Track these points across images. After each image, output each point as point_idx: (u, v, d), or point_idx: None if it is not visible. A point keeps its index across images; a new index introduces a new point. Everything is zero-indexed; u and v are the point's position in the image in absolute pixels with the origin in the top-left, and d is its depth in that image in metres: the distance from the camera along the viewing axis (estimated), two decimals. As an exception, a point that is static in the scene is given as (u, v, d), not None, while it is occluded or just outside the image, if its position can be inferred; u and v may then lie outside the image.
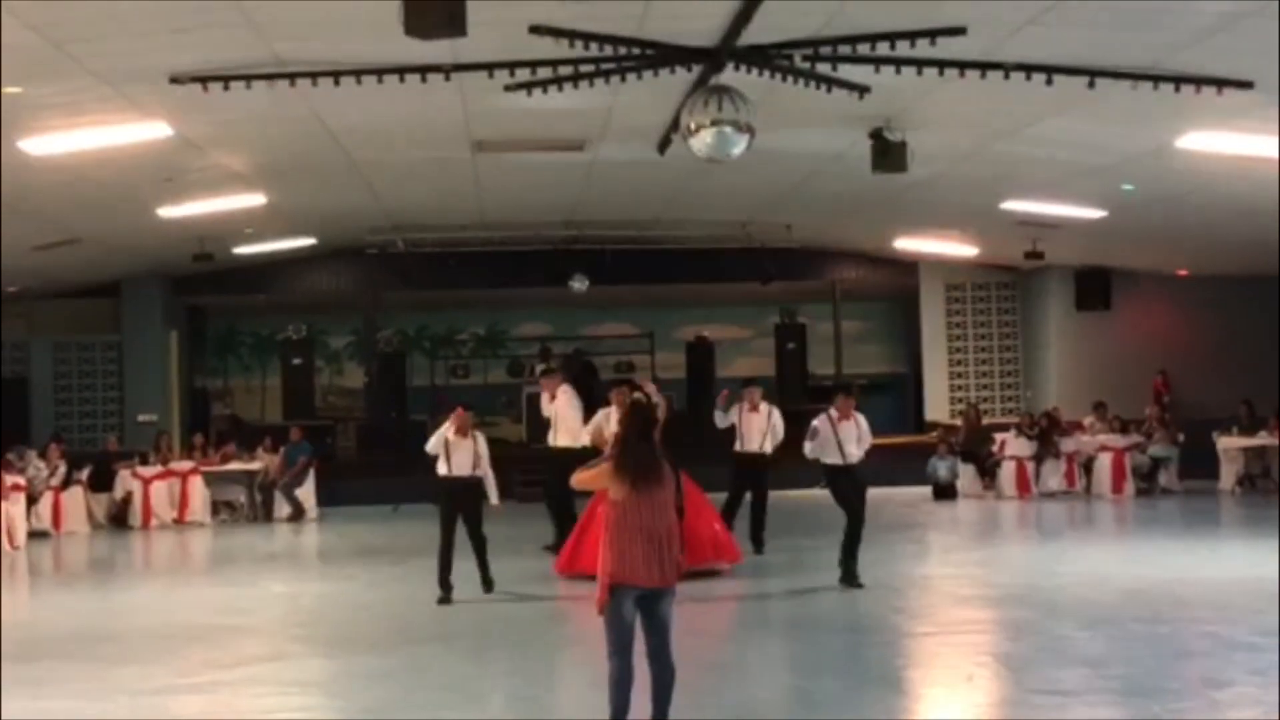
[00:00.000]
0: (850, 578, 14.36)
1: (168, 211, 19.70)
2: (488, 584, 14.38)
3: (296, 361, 29.41)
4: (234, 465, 24.54)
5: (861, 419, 14.92)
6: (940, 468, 24.84)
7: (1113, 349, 27.93)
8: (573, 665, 11.47)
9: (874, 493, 25.30)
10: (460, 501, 14.10)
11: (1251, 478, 24.57)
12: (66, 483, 22.82)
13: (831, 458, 14.59)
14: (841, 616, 13.05)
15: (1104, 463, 24.67)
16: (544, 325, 32.68)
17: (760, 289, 28.40)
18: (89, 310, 27.87)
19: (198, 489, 23.97)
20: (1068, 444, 24.94)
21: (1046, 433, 24.97)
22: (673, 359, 31.96)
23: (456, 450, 14.04)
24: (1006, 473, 24.71)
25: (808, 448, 14.67)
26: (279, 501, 24.21)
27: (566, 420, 17.51)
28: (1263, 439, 23.93)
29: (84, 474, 23.42)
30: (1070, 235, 23.23)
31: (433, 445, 14.21)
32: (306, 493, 24.29)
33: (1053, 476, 24.79)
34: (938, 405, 29.39)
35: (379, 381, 30.03)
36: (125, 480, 23.71)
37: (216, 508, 24.36)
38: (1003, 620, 12.62)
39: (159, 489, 23.64)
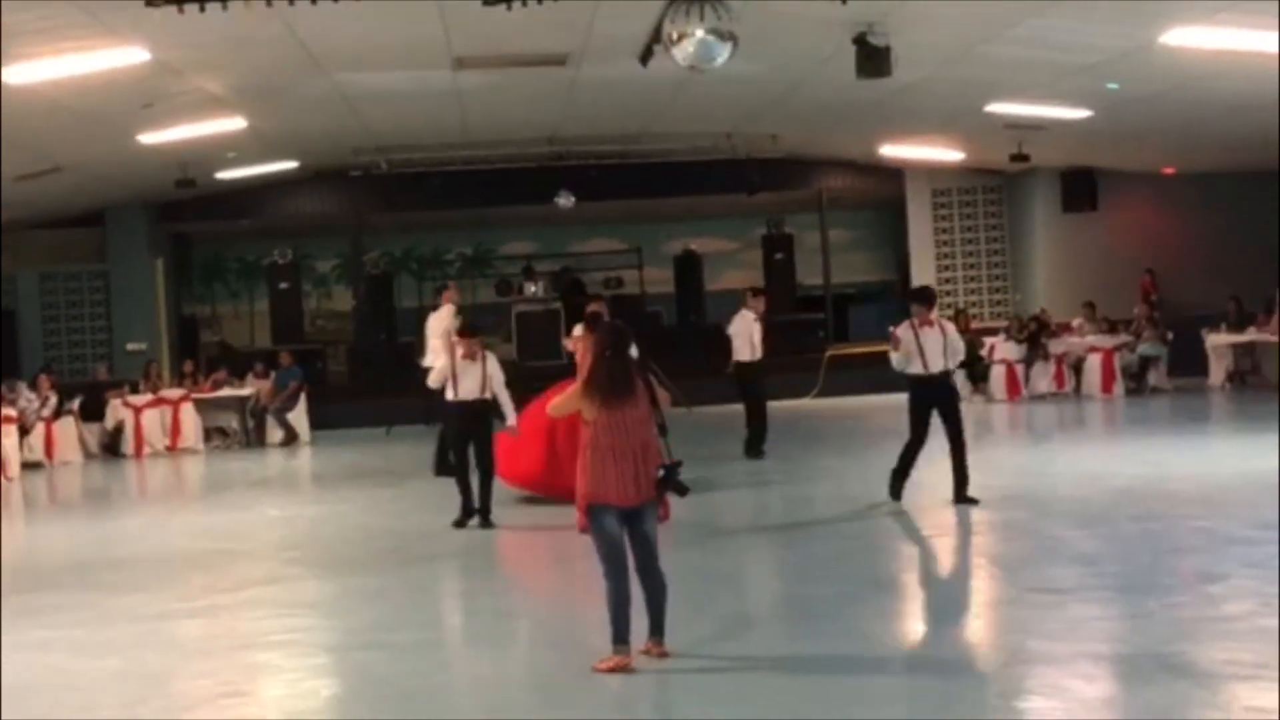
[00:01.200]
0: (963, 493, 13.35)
1: (149, 137, 19.59)
2: (485, 516, 13.46)
3: (283, 286, 29.28)
4: (225, 391, 24.52)
5: (950, 327, 13.72)
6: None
7: (1100, 250, 27.91)
8: (569, 580, 11.53)
9: (865, 400, 25.74)
10: (471, 427, 13.57)
11: (1240, 374, 24.64)
12: (58, 413, 22.80)
13: (915, 368, 13.34)
14: (836, 523, 13.10)
15: (1093, 363, 24.73)
16: (531, 243, 32.59)
17: (746, 200, 28.34)
18: (74, 240, 27.76)
19: (189, 416, 23.96)
20: (1057, 346, 24.99)
21: (1035, 335, 25.01)
22: (661, 273, 31.92)
23: (465, 374, 13.44)
24: (996, 376, 24.77)
25: (893, 358, 13.68)
26: (271, 426, 24.22)
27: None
28: (1251, 335, 23.95)
29: (75, 404, 23.41)
30: (1056, 137, 23.15)
31: (438, 373, 13.82)
32: (298, 417, 24.30)
33: (1042, 378, 24.86)
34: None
35: (367, 304, 29.97)
36: (116, 409, 23.70)
37: (208, 434, 24.36)
38: (996, 522, 12.67)
39: (150, 417, 23.62)
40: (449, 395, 13.57)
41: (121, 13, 13.00)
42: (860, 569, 10.91)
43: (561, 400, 8.55)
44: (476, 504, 13.49)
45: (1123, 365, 24.74)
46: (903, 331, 13.36)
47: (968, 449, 13.35)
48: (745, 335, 17.97)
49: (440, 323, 17.33)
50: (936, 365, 13.26)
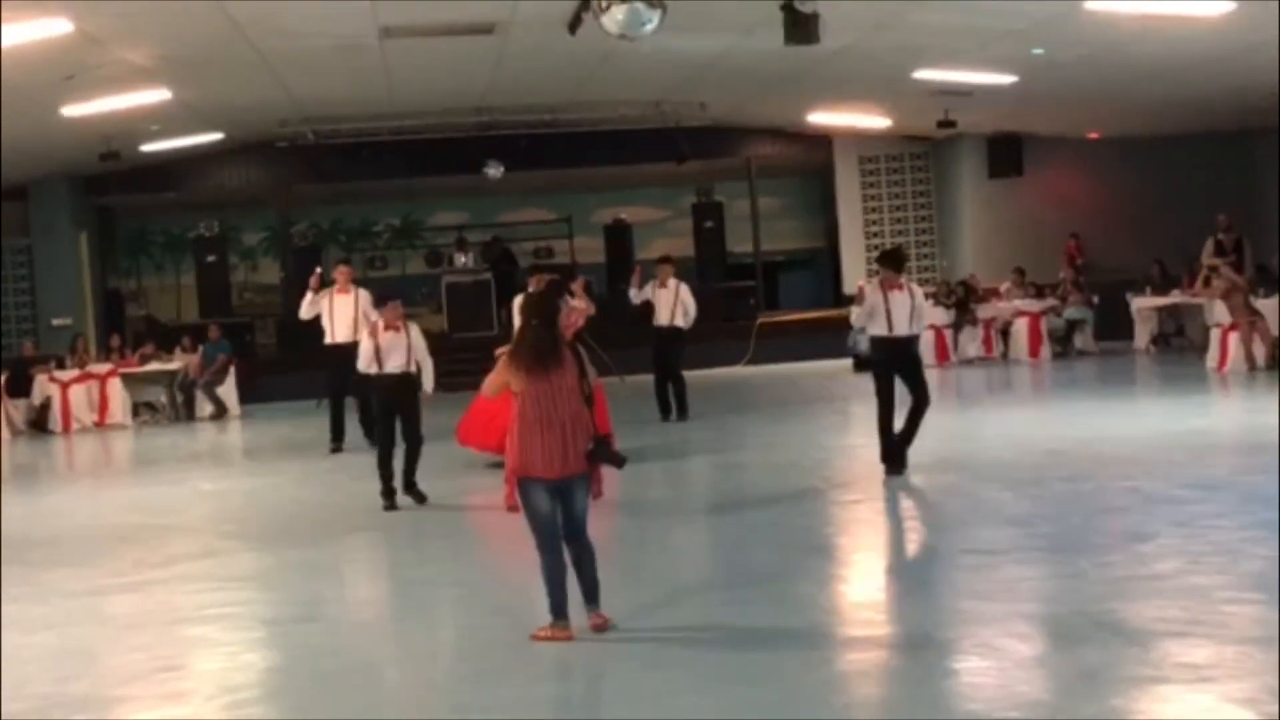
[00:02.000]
0: (897, 463, 13.13)
1: (72, 110, 19.37)
2: (412, 488, 13.22)
3: (210, 259, 29.03)
4: (153, 366, 24.30)
5: (917, 291, 13.50)
6: (860, 340, 24.73)
7: (1026, 215, 28.14)
8: (506, 551, 11.52)
9: (795, 366, 25.91)
10: (399, 399, 13.13)
11: (1165, 336, 24.92)
12: (-17, 389, 22.57)
13: (878, 328, 13.18)
14: (768, 489, 13.16)
15: (1020, 328, 24.96)
16: (460, 214, 32.42)
17: (676, 169, 28.35)
18: (-4, 215, 27.42)
19: (117, 391, 23.75)
20: (984, 310, 25.20)
21: (963, 301, 25.19)
22: (591, 243, 31.84)
23: (391, 346, 13.04)
24: (925, 341, 24.88)
25: (854, 314, 13.66)
26: (200, 400, 24.06)
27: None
28: (1175, 298, 24.22)
29: (0, 380, 23.15)
30: (982, 103, 23.28)
31: (365, 354, 13.14)
32: (228, 390, 24.15)
33: (970, 343, 25.07)
34: (855, 278, 29.36)
35: (296, 277, 29.74)
36: (43, 385, 23.46)
37: (137, 409, 24.16)
38: (928, 485, 12.78)
39: (78, 392, 23.40)
40: (372, 370, 13.12)
41: (43, -17, 12.87)
42: (792, 535, 10.96)
43: (490, 378, 8.24)
44: (401, 479, 13.14)
45: (1049, 329, 24.99)
46: (871, 292, 13.27)
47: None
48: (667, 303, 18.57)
49: (350, 308, 17.46)
50: (901, 329, 13.13)
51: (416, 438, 13.27)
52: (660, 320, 18.62)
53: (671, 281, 18.69)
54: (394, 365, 13.08)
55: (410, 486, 13.24)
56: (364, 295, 17.17)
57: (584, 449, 7.89)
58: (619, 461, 8.14)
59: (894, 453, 13.12)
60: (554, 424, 7.79)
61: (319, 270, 18.41)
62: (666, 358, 18.67)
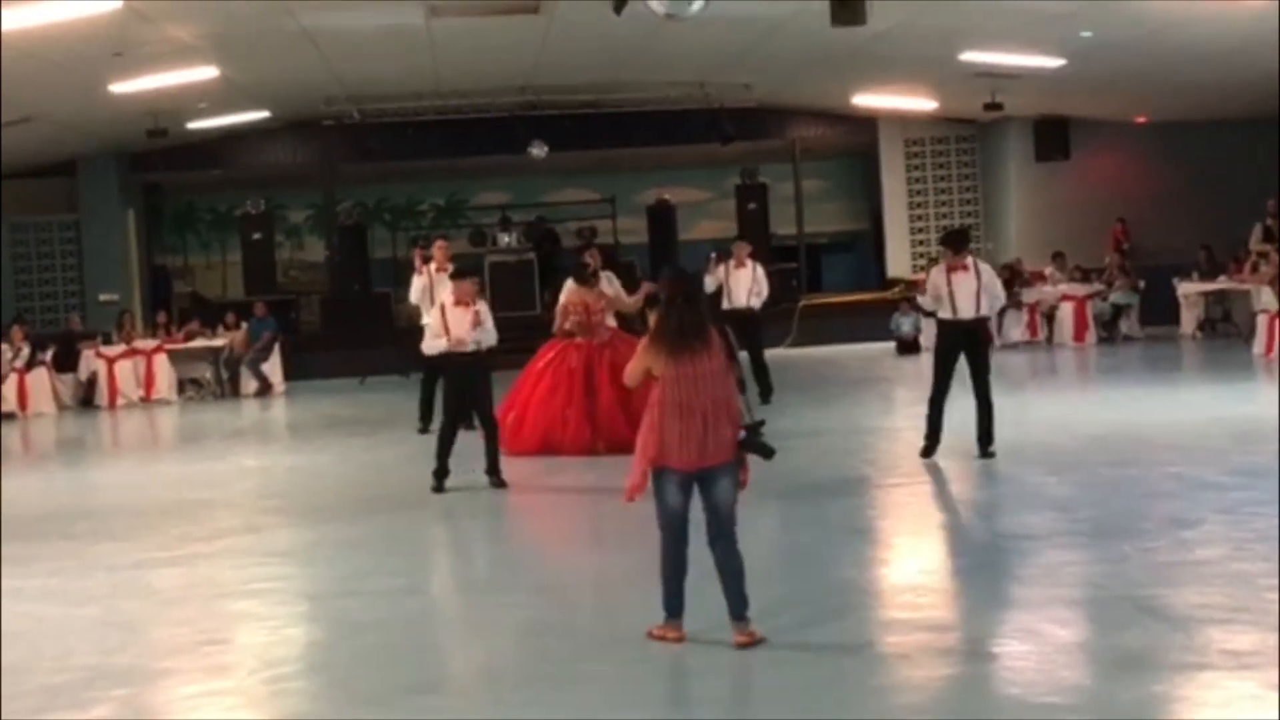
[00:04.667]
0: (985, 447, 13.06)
1: (120, 87, 19.45)
2: (495, 475, 12.76)
3: (256, 236, 29.11)
4: (198, 342, 24.46)
5: (986, 269, 13.30)
6: (903, 323, 24.90)
7: (1073, 199, 27.95)
8: (552, 528, 11.57)
9: (838, 349, 25.83)
10: (468, 379, 12.66)
11: (1212, 322, 24.75)
12: (31, 364, 22.73)
13: (943, 311, 12.99)
14: (812, 471, 13.11)
15: (1066, 312, 24.85)
16: (504, 193, 32.41)
17: (720, 150, 28.25)
18: (45, 190, 27.54)
19: (163, 367, 23.90)
20: (1029, 294, 25.09)
21: (1008, 284, 25.02)
22: (634, 223, 31.78)
23: (458, 323, 12.56)
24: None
25: (921, 300, 13.62)
26: (245, 377, 24.19)
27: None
28: (1222, 284, 24.06)
29: (48, 355, 23.33)
30: (1029, 85, 23.16)
31: (433, 324, 12.87)
32: (273, 367, 24.28)
33: (1015, 327, 24.96)
34: (900, 261, 29.45)
35: (341, 254, 29.84)
36: (90, 360, 23.64)
37: (182, 385, 24.31)
38: (970, 469, 12.73)
39: (124, 368, 23.56)
40: (440, 346, 12.70)
41: (93, -40, 12.93)
42: (836, 518, 10.96)
43: (631, 364, 7.63)
44: (485, 463, 12.76)
45: (1095, 314, 24.86)
46: (935, 274, 13.15)
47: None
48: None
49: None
50: (967, 312, 12.90)
51: (490, 420, 12.85)
52: (737, 302, 17.99)
53: (749, 261, 18.26)
54: (461, 344, 12.58)
55: (494, 471, 12.78)
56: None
57: (729, 437, 7.33)
58: (768, 452, 7.52)
59: (935, 438, 13.07)
60: (695, 410, 7.22)
61: (420, 248, 17.19)
62: (753, 340, 17.82)
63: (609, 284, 15.13)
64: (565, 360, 14.73)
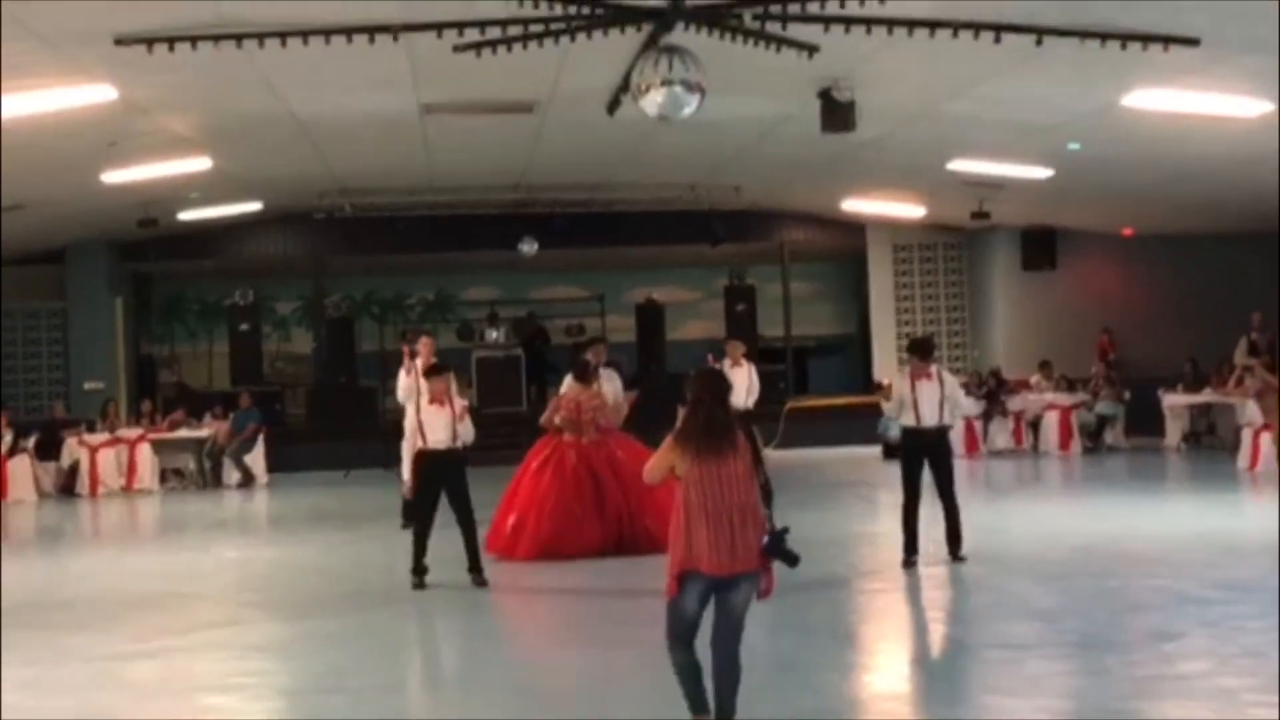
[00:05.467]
0: (955, 551, 13.08)
1: (112, 176, 19.54)
2: (478, 574, 12.69)
3: (243, 327, 29.18)
4: (182, 432, 24.43)
5: (950, 379, 13.37)
6: (890, 427, 24.83)
7: (1059, 308, 28.13)
8: (532, 631, 11.47)
9: (824, 452, 25.80)
10: (443, 477, 12.63)
11: (1196, 435, 24.79)
12: (13, 451, 22.66)
13: (906, 419, 13.08)
14: (794, 574, 13.01)
15: (1051, 421, 24.89)
16: (493, 289, 32.52)
17: (709, 251, 28.41)
18: (34, 277, 27.55)
19: (146, 456, 23.84)
20: (1015, 402, 25.14)
21: (994, 392, 25.14)
22: (623, 321, 31.87)
23: (433, 421, 12.62)
24: (954, 431, 24.81)
25: (885, 407, 13.69)
26: (228, 468, 24.13)
27: None
28: (1207, 396, 24.13)
29: (30, 442, 23.26)
30: (1017, 195, 23.34)
31: (409, 428, 12.87)
32: (256, 459, 24.22)
33: (1000, 435, 24.99)
34: (886, 366, 29.47)
35: (327, 347, 29.87)
36: (72, 448, 23.57)
37: (165, 475, 24.25)
38: (953, 576, 12.69)
39: (106, 456, 23.49)
40: (417, 444, 12.69)
41: (90, 50, 13.01)
42: (819, 622, 10.89)
43: (655, 458, 7.43)
44: (466, 559, 12.66)
45: (1080, 423, 24.90)
46: (899, 381, 13.27)
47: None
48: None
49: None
50: (930, 419, 13.02)
51: (468, 516, 12.69)
52: (735, 401, 17.81)
53: (744, 360, 18.17)
54: (438, 440, 12.64)
55: (474, 569, 12.70)
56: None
57: (754, 543, 7.11)
58: (794, 560, 7.32)
59: (913, 546, 13.06)
60: (722, 514, 7.02)
61: (407, 344, 16.57)
62: (751, 440, 17.65)
63: (608, 381, 15.12)
64: (564, 459, 14.48)
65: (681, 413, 7.40)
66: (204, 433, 24.43)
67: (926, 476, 13.21)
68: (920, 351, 13.46)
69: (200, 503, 22.11)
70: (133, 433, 23.96)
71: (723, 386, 7.43)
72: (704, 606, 7.16)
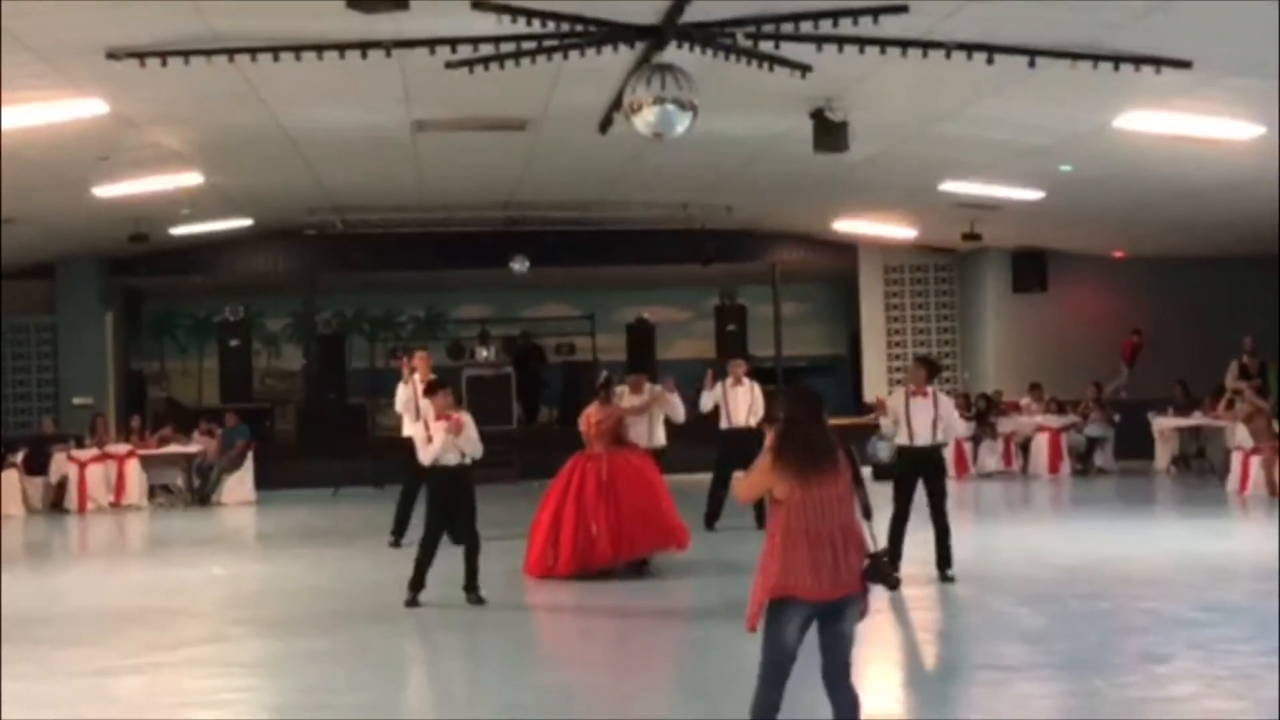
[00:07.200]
0: (945, 570, 13.28)
1: (103, 191, 19.50)
2: (474, 593, 12.69)
3: (233, 344, 29.18)
4: (171, 448, 24.35)
5: (943, 400, 13.48)
6: (880, 448, 24.88)
7: (1049, 330, 28.15)
8: (527, 646, 11.43)
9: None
10: (450, 495, 12.66)
11: (1186, 458, 24.80)
12: (1, 466, 22.57)
13: (900, 437, 13.25)
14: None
15: (1040, 443, 24.89)
16: (484, 307, 32.53)
17: (700, 271, 28.42)
18: (23, 292, 27.47)
19: (134, 472, 23.75)
20: (1005, 424, 25.14)
21: (984, 414, 25.14)
22: (613, 340, 31.89)
23: (439, 438, 12.57)
24: (945, 453, 24.82)
25: (883, 423, 13.76)
26: (216, 484, 24.04)
27: None
28: (1197, 419, 24.14)
29: (18, 457, 23.19)
30: (1008, 217, 23.36)
31: (422, 448, 12.76)
32: (245, 475, 24.14)
33: (990, 456, 24.98)
34: (877, 387, 29.44)
35: (318, 364, 29.85)
36: (61, 463, 23.47)
37: (153, 491, 24.17)
38: (943, 597, 12.68)
39: (95, 472, 23.40)
40: (424, 460, 12.74)
41: (82, 64, 12.99)
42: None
43: (751, 479, 7.24)
44: (464, 579, 12.66)
45: (1070, 445, 24.91)
46: (895, 398, 13.35)
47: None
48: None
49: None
50: (923, 438, 13.11)
51: (473, 536, 12.71)
52: (736, 420, 17.67)
53: (745, 379, 18.14)
54: (444, 459, 12.63)
55: (472, 589, 12.70)
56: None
57: (857, 566, 6.87)
58: (894, 584, 7.18)
59: (896, 569, 13.06)
60: (823, 536, 6.77)
61: (405, 359, 16.98)
62: (748, 461, 17.44)
63: (640, 395, 16.10)
64: (584, 476, 14.46)
65: (769, 432, 7.16)
66: (193, 449, 24.36)
67: (919, 497, 13.22)
68: (929, 367, 13.60)
69: (189, 519, 22.06)
70: (122, 448, 23.88)
71: (818, 402, 7.08)
72: (804, 636, 6.89)
